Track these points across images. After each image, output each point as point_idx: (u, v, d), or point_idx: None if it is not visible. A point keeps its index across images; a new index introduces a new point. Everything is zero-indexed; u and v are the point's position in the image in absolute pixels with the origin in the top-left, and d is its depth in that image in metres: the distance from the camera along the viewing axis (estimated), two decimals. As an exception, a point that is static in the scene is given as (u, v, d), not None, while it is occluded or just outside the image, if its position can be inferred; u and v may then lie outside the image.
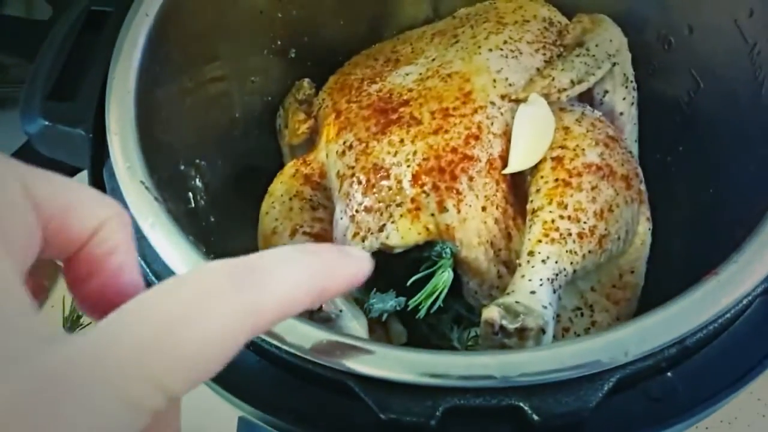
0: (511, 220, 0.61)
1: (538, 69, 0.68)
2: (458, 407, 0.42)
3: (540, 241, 0.57)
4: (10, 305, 0.24)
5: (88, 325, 0.83)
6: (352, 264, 0.31)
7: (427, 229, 0.58)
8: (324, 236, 0.64)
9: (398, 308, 0.59)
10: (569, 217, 0.58)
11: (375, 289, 0.59)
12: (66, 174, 0.78)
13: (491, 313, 0.50)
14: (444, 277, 0.58)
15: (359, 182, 0.62)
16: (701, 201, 0.66)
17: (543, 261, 0.55)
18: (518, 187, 0.63)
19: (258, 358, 0.46)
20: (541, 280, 0.54)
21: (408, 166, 0.60)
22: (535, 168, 0.62)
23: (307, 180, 0.68)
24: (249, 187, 0.70)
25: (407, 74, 0.68)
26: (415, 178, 0.60)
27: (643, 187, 0.65)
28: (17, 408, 0.21)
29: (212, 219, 0.65)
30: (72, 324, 0.82)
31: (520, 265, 0.56)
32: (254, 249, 0.65)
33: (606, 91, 0.71)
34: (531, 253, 0.56)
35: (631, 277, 0.64)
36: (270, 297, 0.26)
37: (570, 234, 0.57)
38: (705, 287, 0.44)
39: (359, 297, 0.60)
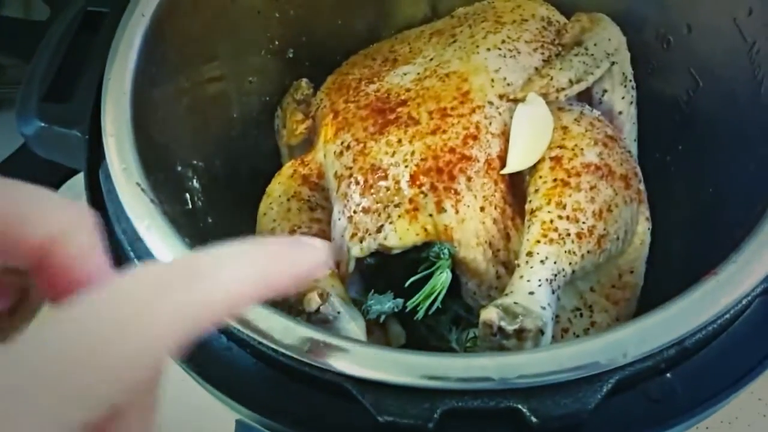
0: (510, 221, 0.61)
1: (536, 68, 0.68)
2: (456, 409, 0.41)
3: (538, 241, 0.56)
4: None
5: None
6: (304, 254, 0.30)
7: (425, 229, 0.58)
8: (322, 237, 0.63)
9: (396, 310, 0.58)
10: (568, 217, 0.57)
11: (373, 290, 0.59)
12: (62, 175, 0.79)
13: (489, 314, 0.50)
14: (442, 278, 0.58)
15: (357, 183, 0.62)
16: (700, 200, 0.65)
17: (542, 261, 0.55)
18: (517, 187, 0.63)
19: (255, 361, 0.46)
20: (539, 280, 0.54)
21: (406, 167, 0.60)
22: (534, 168, 0.62)
23: (305, 180, 0.68)
24: (247, 187, 0.69)
25: (405, 74, 0.68)
26: (413, 178, 0.59)
27: (642, 186, 0.64)
28: None
29: (210, 220, 0.65)
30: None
31: (518, 265, 0.56)
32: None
33: (605, 91, 0.71)
34: (529, 254, 0.56)
35: (631, 277, 0.64)
36: (213, 296, 0.26)
37: (569, 234, 0.57)
38: (704, 288, 0.43)
39: (357, 298, 0.60)
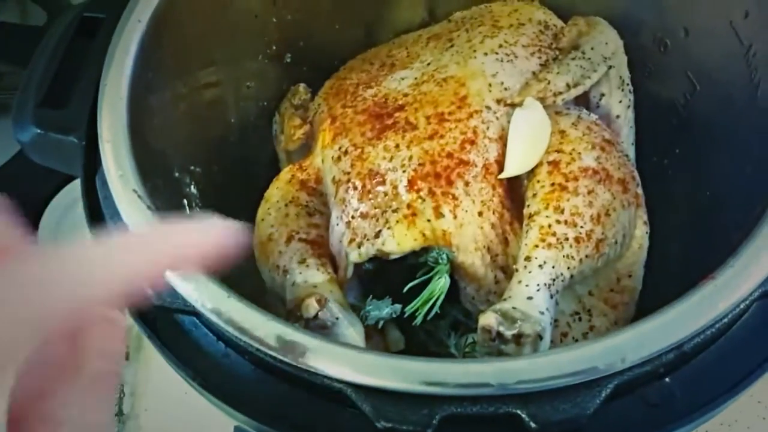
0: (508, 225, 0.61)
1: (533, 72, 0.68)
2: (455, 415, 0.41)
3: (537, 246, 0.56)
4: None
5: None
6: (207, 235, 0.31)
7: (424, 234, 0.58)
8: (320, 242, 0.63)
9: (394, 315, 0.58)
10: (566, 222, 0.57)
11: (371, 296, 0.59)
12: (59, 182, 0.78)
13: (488, 319, 0.50)
14: (441, 283, 0.58)
15: (355, 188, 0.62)
16: (698, 204, 0.65)
17: (540, 266, 0.55)
18: (515, 191, 0.63)
19: (253, 368, 0.46)
20: (538, 285, 0.54)
21: (404, 172, 0.60)
22: (532, 172, 0.62)
23: (303, 186, 0.68)
24: (245, 193, 0.69)
25: (402, 79, 0.68)
26: (411, 183, 0.59)
27: (639, 190, 0.64)
28: None
29: (207, 226, 0.64)
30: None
31: (517, 270, 0.56)
32: (251, 256, 0.65)
33: (602, 94, 0.71)
34: (528, 258, 0.56)
35: (629, 281, 0.64)
36: (98, 290, 0.28)
37: (567, 239, 0.57)
38: (702, 292, 0.43)
39: (356, 304, 0.60)
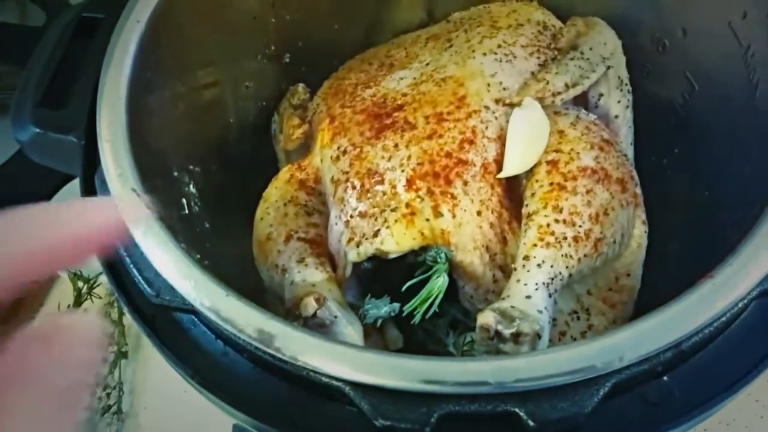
0: (507, 224, 0.61)
1: (532, 73, 0.68)
2: (453, 413, 0.42)
3: (535, 245, 0.56)
4: None
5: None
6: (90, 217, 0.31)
7: (422, 234, 0.58)
8: (319, 241, 0.63)
9: (393, 314, 0.58)
10: (564, 221, 0.57)
11: (370, 294, 0.59)
12: (58, 181, 0.79)
13: (486, 318, 0.50)
14: (439, 282, 0.58)
15: (354, 187, 0.62)
16: (697, 203, 0.66)
17: (538, 265, 0.55)
18: (513, 191, 0.63)
19: (252, 366, 0.46)
20: (536, 284, 0.54)
21: (402, 171, 0.60)
22: (530, 172, 0.62)
23: (302, 185, 0.68)
24: (244, 192, 0.69)
25: (401, 79, 0.68)
26: (410, 182, 0.60)
27: (638, 190, 0.64)
28: None
29: (206, 225, 0.64)
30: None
31: (515, 269, 0.56)
32: (249, 255, 0.65)
33: (601, 94, 0.71)
34: (526, 258, 0.56)
35: (628, 281, 0.64)
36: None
37: (565, 238, 0.57)
38: (700, 291, 0.43)
39: (354, 303, 0.60)
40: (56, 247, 0.30)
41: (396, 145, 0.62)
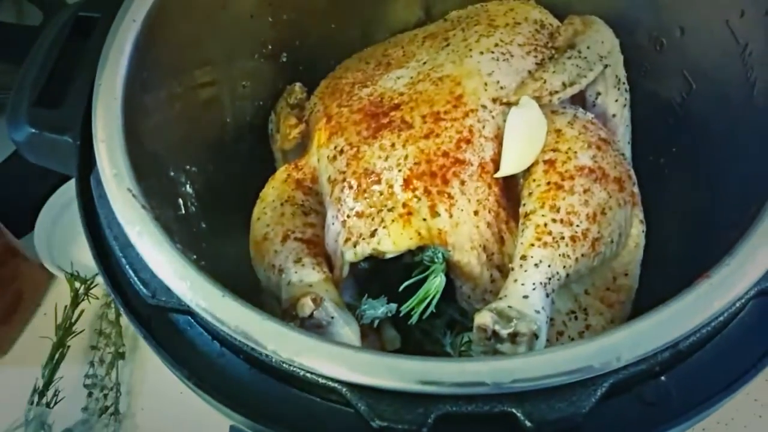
0: (504, 224, 0.61)
1: (529, 72, 0.68)
2: (450, 414, 0.41)
3: (533, 245, 0.56)
4: None
5: (80, 332, 0.82)
6: None
7: (419, 233, 0.58)
8: (316, 242, 0.63)
9: (389, 314, 0.58)
10: (562, 221, 0.57)
11: (367, 295, 0.59)
12: (54, 181, 0.78)
13: (484, 318, 0.50)
14: (436, 282, 0.57)
15: (350, 187, 0.62)
16: (695, 203, 0.65)
17: (536, 265, 0.55)
18: (511, 190, 0.63)
19: (249, 367, 0.46)
20: (533, 284, 0.54)
21: (399, 171, 0.60)
22: (528, 171, 0.62)
23: (299, 185, 0.68)
24: (240, 192, 0.69)
25: (398, 78, 0.68)
26: (407, 182, 0.59)
27: (636, 189, 0.64)
28: None
29: (203, 225, 0.64)
30: (64, 332, 0.81)
31: (512, 269, 0.56)
32: (246, 255, 0.65)
33: (598, 93, 0.71)
34: (524, 257, 0.56)
35: (625, 280, 0.64)
36: None
37: (563, 237, 0.57)
38: (698, 290, 0.43)
39: (351, 303, 0.60)
40: None
41: (393, 145, 0.62)
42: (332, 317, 0.54)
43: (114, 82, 0.56)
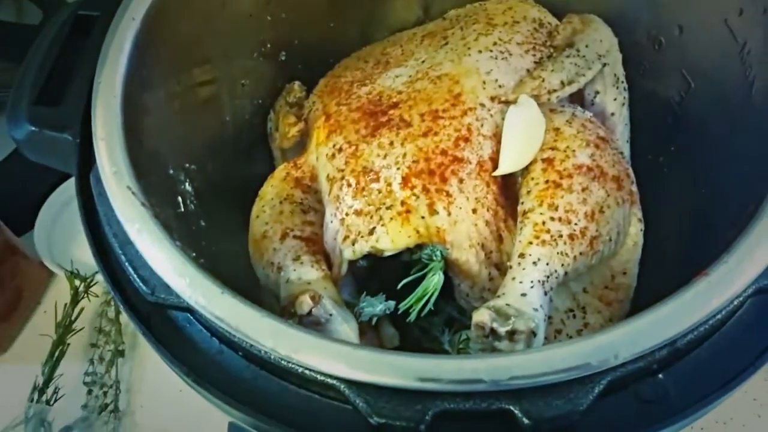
0: (502, 222, 0.61)
1: (528, 70, 0.68)
2: (448, 411, 0.41)
3: (531, 243, 0.56)
4: None
5: (80, 330, 0.82)
6: None
7: (418, 231, 0.58)
8: (314, 240, 0.63)
9: (388, 312, 0.58)
10: (560, 219, 0.57)
11: (365, 292, 0.59)
12: (54, 179, 0.78)
13: (481, 316, 0.50)
14: (434, 280, 0.58)
15: (349, 185, 0.62)
16: (693, 201, 0.65)
17: (534, 263, 0.55)
18: (509, 188, 0.63)
19: (247, 364, 0.46)
20: (531, 282, 0.54)
21: (398, 169, 0.60)
22: (526, 170, 0.62)
23: (298, 183, 0.68)
24: (239, 190, 0.69)
25: (397, 76, 0.68)
26: (405, 180, 0.59)
27: (634, 188, 0.64)
28: None
29: (202, 223, 0.64)
30: (64, 329, 0.81)
31: (510, 267, 0.56)
32: (245, 253, 0.65)
33: (597, 92, 0.71)
34: (522, 255, 0.56)
35: (624, 279, 0.64)
36: None
37: (561, 236, 0.57)
38: (696, 288, 0.43)
39: (350, 300, 0.60)
40: None
41: (391, 143, 0.62)
42: (331, 314, 0.54)
43: (113, 80, 0.56)
